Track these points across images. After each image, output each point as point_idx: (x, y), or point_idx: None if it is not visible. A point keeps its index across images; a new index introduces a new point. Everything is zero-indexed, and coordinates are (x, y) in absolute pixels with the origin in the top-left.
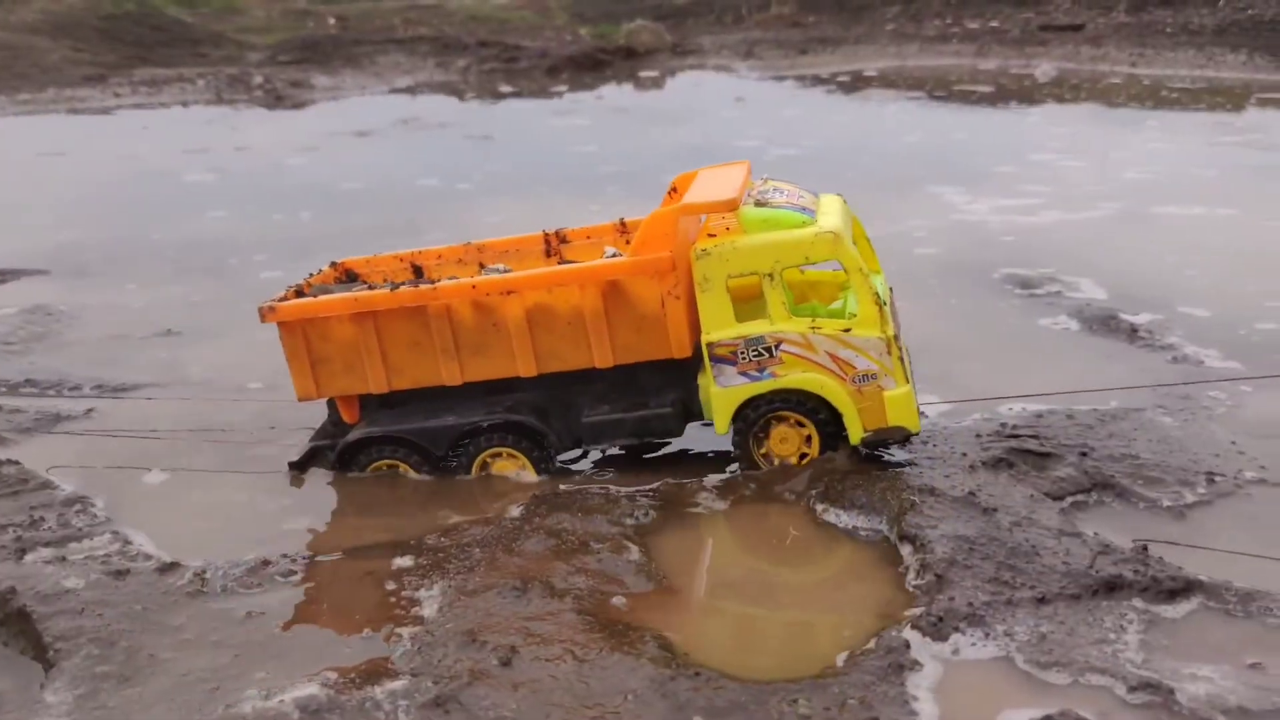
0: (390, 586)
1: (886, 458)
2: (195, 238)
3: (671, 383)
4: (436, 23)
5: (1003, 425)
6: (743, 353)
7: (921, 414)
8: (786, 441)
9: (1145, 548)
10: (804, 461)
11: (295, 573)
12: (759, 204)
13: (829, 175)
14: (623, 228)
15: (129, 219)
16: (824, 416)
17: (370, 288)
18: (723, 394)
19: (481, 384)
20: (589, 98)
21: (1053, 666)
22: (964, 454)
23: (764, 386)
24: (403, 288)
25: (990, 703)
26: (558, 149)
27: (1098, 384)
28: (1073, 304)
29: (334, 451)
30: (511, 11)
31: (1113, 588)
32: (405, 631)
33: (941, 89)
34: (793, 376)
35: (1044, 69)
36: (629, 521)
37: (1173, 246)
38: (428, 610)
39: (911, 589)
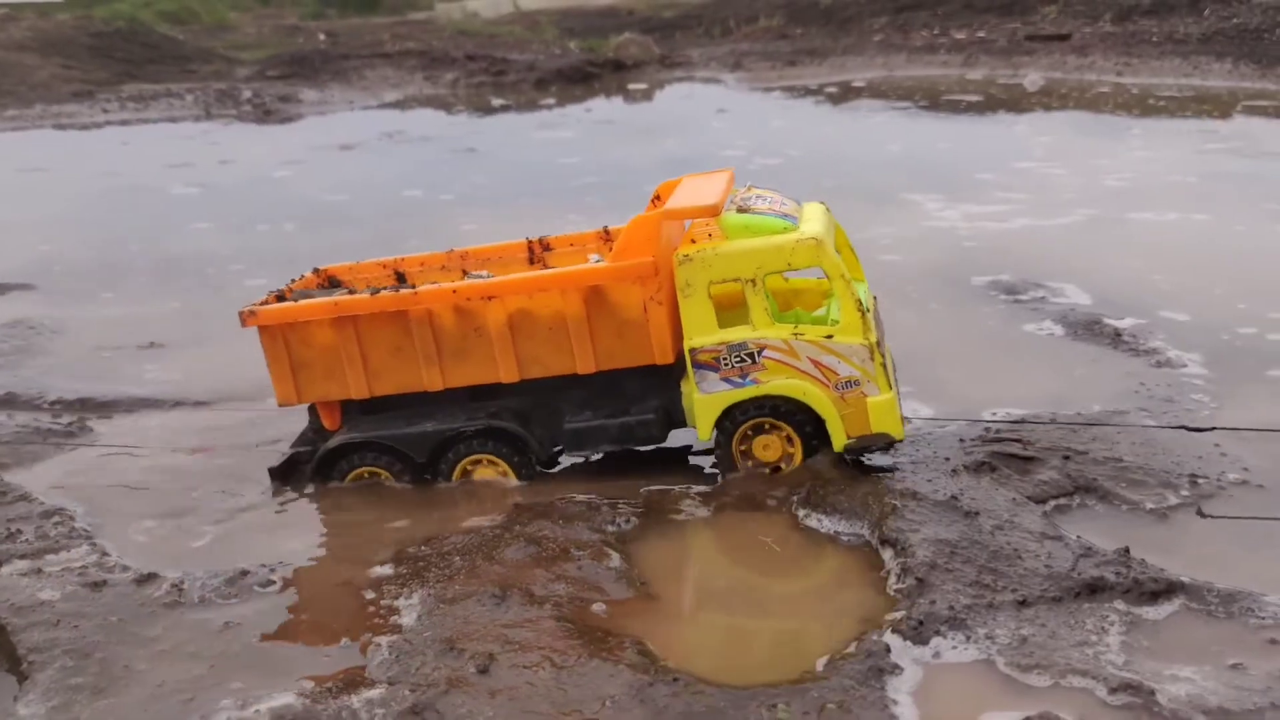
0: (369, 595)
1: (868, 463)
2: (179, 251)
3: (654, 389)
4: (425, 37)
5: (986, 429)
6: (725, 359)
7: (906, 420)
8: (769, 448)
9: (1127, 550)
10: (786, 468)
11: (273, 582)
12: (741, 210)
13: (810, 184)
14: (606, 235)
15: (112, 233)
16: (807, 425)
17: (351, 293)
18: (705, 400)
19: (464, 389)
20: (577, 110)
21: (1034, 669)
22: (946, 458)
23: (747, 393)
24: (383, 292)
25: (971, 706)
26: (542, 161)
27: (1085, 389)
28: (1056, 310)
29: (313, 458)
30: (500, 25)
31: (1094, 590)
32: (383, 640)
33: (929, 99)
34: (776, 383)
35: (1031, 78)
36: (610, 528)
37: (1155, 252)
38: (406, 619)
39: (893, 593)
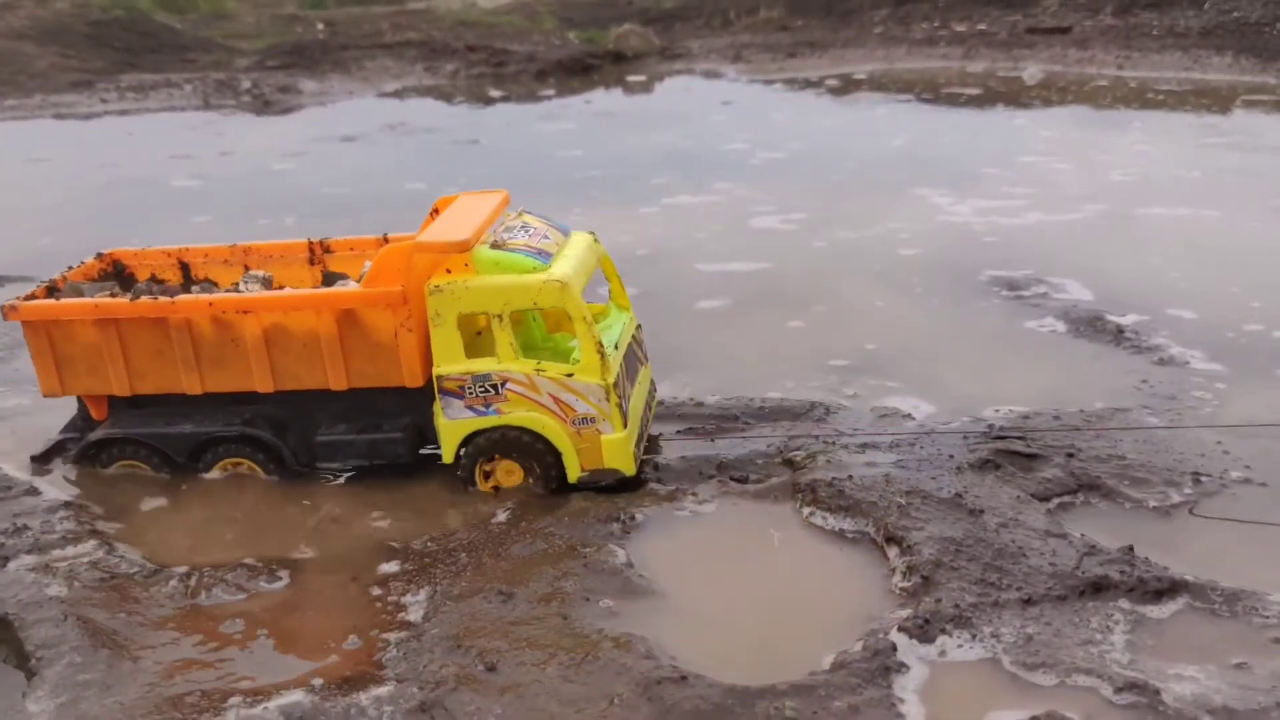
0: (377, 592)
1: (873, 460)
2: (179, 243)
3: (407, 408)
4: (424, 27)
5: (989, 427)
6: (470, 388)
7: (639, 458)
8: (512, 474)
9: (1131, 548)
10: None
11: (281, 578)
12: (495, 245)
13: (815, 178)
14: (385, 241)
15: (112, 225)
16: (546, 455)
17: (124, 289)
18: (449, 426)
19: (225, 393)
20: (577, 102)
21: (1039, 668)
22: (951, 456)
23: (489, 422)
24: (143, 298)
25: (977, 704)
26: (544, 153)
27: (1087, 386)
28: (1059, 305)
29: (75, 448)
30: (499, 16)
31: (1099, 588)
32: (391, 637)
33: (929, 91)
34: (517, 414)
35: (1031, 71)
36: (615, 526)
37: (1158, 248)
38: (414, 615)
39: (898, 591)
